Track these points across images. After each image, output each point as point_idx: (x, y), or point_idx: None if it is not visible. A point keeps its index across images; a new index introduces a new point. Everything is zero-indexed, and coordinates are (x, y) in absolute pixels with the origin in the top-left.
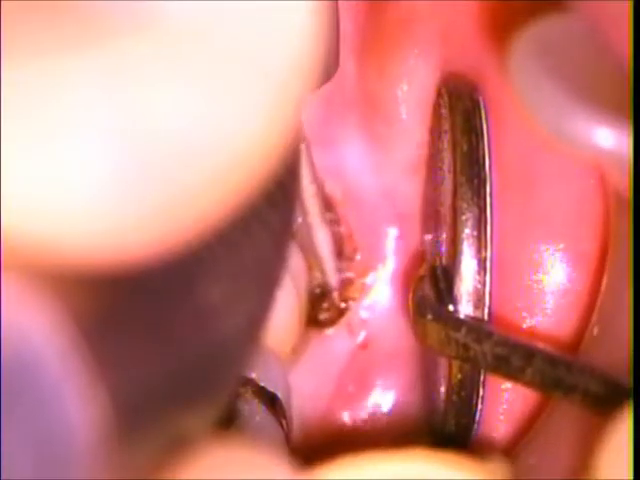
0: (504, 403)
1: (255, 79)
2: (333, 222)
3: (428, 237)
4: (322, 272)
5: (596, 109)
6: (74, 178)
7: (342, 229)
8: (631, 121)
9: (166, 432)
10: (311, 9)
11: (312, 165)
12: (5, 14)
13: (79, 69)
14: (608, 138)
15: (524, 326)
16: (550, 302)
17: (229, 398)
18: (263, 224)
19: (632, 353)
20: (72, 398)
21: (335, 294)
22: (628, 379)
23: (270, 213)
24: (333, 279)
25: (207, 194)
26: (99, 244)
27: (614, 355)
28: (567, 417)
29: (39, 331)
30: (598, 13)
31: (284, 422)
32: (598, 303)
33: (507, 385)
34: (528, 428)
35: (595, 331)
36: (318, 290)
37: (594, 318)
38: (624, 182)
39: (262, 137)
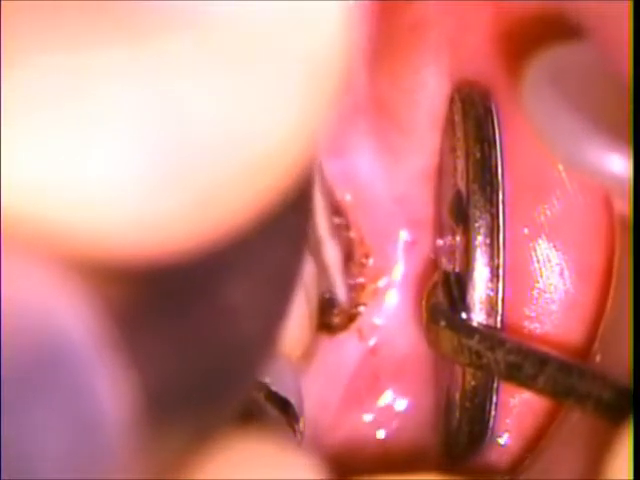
0: (513, 416)
1: (291, 76)
2: (342, 227)
3: (440, 244)
4: (331, 288)
5: (610, 137)
6: (111, 169)
7: (352, 234)
8: (631, 138)
9: (190, 428)
10: (344, 8)
11: (322, 178)
12: (51, 7)
13: (117, 62)
14: (622, 167)
15: (534, 335)
16: (558, 312)
17: (245, 400)
18: (281, 228)
19: (632, 381)
20: (105, 382)
21: (345, 301)
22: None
23: (288, 217)
24: (342, 295)
25: (240, 190)
26: (133, 236)
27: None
28: (576, 429)
29: (72, 316)
30: (611, 41)
31: (296, 427)
32: (600, 329)
33: (515, 400)
34: (538, 440)
35: (598, 358)
36: (328, 294)
37: (596, 345)
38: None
39: (295, 135)
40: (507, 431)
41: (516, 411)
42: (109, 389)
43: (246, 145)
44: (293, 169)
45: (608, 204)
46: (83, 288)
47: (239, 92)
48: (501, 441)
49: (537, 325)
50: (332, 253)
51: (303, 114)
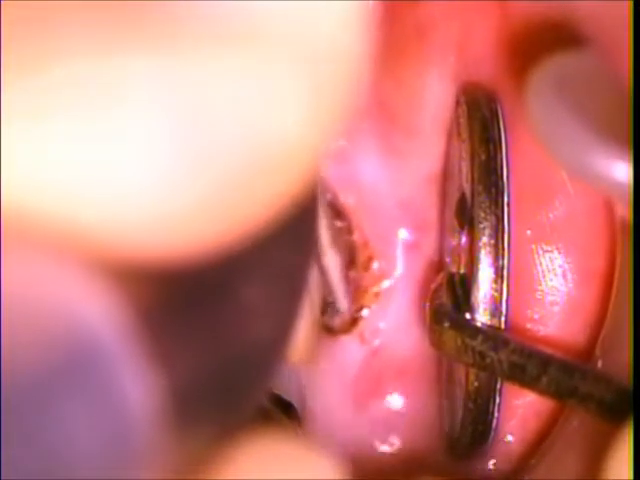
0: (517, 418)
1: (305, 78)
2: (344, 230)
3: (445, 245)
4: (332, 296)
5: (614, 146)
6: (135, 168)
7: (355, 237)
8: (631, 142)
9: (214, 426)
10: (362, 9)
11: (322, 182)
12: (95, 10)
13: (141, 61)
14: (626, 175)
15: (536, 337)
16: (561, 315)
17: (259, 402)
18: (291, 230)
19: (633, 387)
20: (132, 378)
21: (347, 306)
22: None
23: (297, 219)
24: (342, 301)
25: (259, 188)
26: (158, 234)
27: None
28: (578, 432)
29: (100, 314)
30: (615, 49)
31: (299, 430)
32: (602, 334)
33: (520, 402)
34: (541, 442)
35: (599, 364)
36: (330, 297)
37: (597, 351)
38: None
39: (308, 137)
40: (511, 433)
41: (520, 413)
42: (137, 386)
43: (265, 145)
44: (308, 170)
45: (610, 208)
46: (109, 286)
47: (258, 92)
48: (505, 443)
49: (540, 328)
50: (332, 261)
51: (316, 118)
